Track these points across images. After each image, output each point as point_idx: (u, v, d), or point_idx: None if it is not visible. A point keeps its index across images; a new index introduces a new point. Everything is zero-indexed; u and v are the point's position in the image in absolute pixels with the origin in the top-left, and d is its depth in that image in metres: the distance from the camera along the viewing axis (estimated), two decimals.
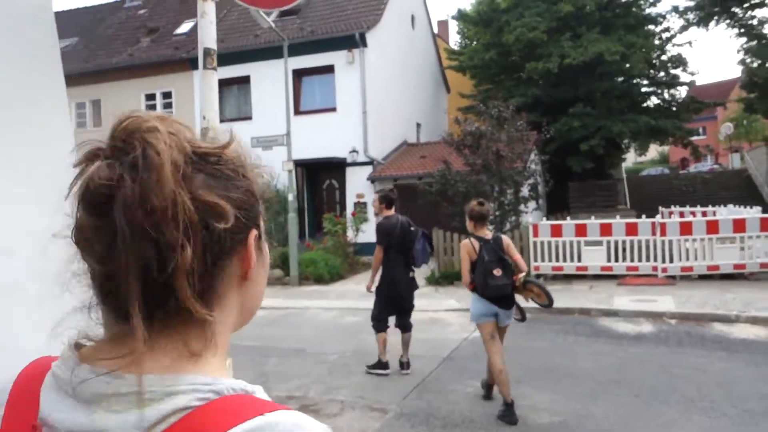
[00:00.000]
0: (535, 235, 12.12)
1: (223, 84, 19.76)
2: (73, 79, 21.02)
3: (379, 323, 6.61)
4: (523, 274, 5.20)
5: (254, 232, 0.71)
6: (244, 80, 19.31)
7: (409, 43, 21.55)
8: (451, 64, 26.34)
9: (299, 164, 18.07)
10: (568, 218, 13.57)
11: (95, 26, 23.89)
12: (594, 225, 11.95)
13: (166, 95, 20.25)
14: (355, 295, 11.83)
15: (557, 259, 12.02)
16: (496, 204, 13.76)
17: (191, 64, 19.69)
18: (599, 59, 21.16)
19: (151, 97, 20.46)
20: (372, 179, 17.83)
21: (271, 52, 17.65)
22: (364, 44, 17.87)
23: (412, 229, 6.54)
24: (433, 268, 12.48)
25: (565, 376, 6.36)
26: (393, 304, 6.63)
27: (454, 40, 32.56)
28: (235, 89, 19.91)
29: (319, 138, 17.86)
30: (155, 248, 0.61)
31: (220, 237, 0.65)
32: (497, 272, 4.99)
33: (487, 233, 5.23)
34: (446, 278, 12.45)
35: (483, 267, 4.99)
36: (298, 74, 18.67)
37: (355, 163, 18.05)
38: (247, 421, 0.60)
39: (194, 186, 0.64)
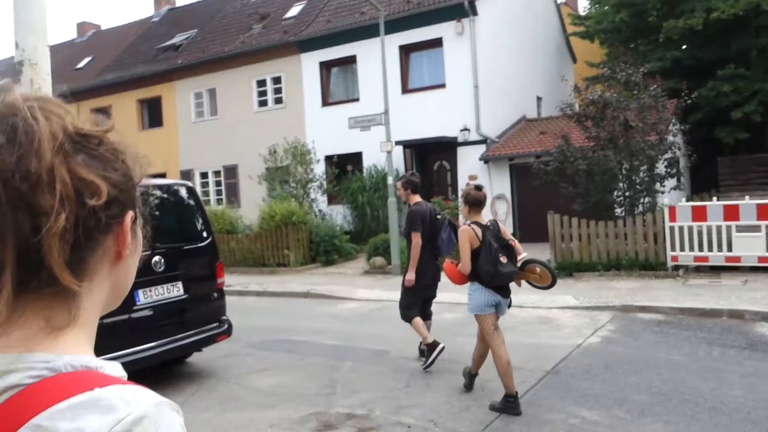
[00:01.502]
0: (672, 219, 10.22)
1: (330, 65, 19.20)
2: (191, 69, 21.49)
3: (409, 312, 6.41)
4: (522, 255, 5.06)
5: (130, 214, 0.73)
6: (350, 60, 18.59)
7: (527, 10, 19.67)
8: (576, 31, 23.99)
9: (408, 145, 17.08)
10: (715, 199, 11.42)
11: (212, 17, 24.29)
12: (749, 206, 9.84)
13: (276, 80, 20.03)
14: (460, 288, 10.64)
15: (700, 248, 10.06)
16: (625, 184, 11.90)
17: (299, 47, 19.30)
18: (755, 10, 18.03)
19: (261, 83, 20.35)
20: (485, 159, 16.41)
21: (377, 29, 16.70)
22: (474, 12, 16.40)
23: (438, 217, 6.34)
24: (549, 258, 10.96)
25: (707, 410, 4.80)
26: (419, 294, 6.42)
27: (583, 5, 29.79)
28: (341, 71, 19.26)
29: (428, 117, 16.73)
30: (30, 213, 0.63)
31: (95, 212, 0.67)
32: (504, 259, 4.81)
33: (484, 219, 5.03)
34: (564, 269, 10.88)
35: (492, 255, 4.77)
36: (405, 50, 17.60)
37: (466, 143, 16.71)
38: (72, 397, 0.62)
39: (73, 162, 0.66)
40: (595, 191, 11.65)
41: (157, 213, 6.23)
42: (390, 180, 12.46)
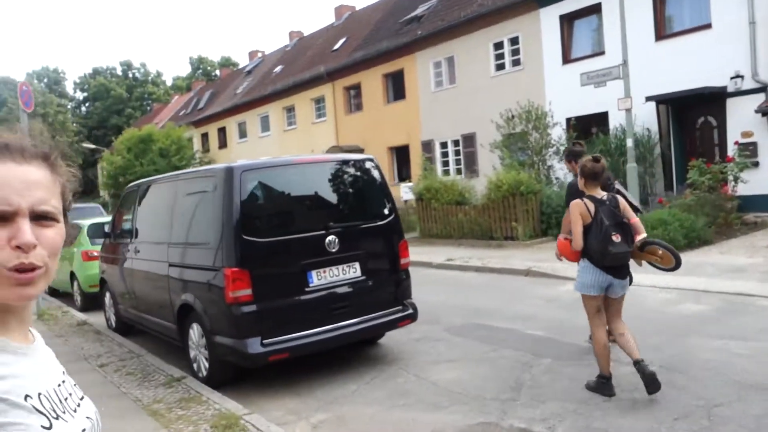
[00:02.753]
0: None
1: (571, 18, 17.44)
2: (430, 39, 21.44)
3: None
4: (641, 236, 4.68)
5: None
6: (594, 9, 16.61)
7: None
8: None
9: (662, 100, 14.74)
10: None
11: None
12: None
13: (513, 41, 18.88)
14: (714, 270, 8.73)
15: None
16: None
17: (538, 1, 17.86)
18: None
19: (498, 45, 19.39)
20: (763, 111, 13.34)
21: None
22: None
23: (611, 184, 5.59)
24: None
25: None
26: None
27: None
28: (583, 23, 17.34)
29: (688, 65, 14.15)
30: None
31: None
32: (616, 238, 4.50)
33: (601, 193, 4.70)
34: None
35: (602, 232, 4.50)
36: None
37: (738, 93, 13.75)
38: None
39: None
40: None
41: (330, 191, 5.97)
42: (630, 142, 10.75)
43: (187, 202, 6.06)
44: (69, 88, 69.36)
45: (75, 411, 0.97)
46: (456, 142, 21.18)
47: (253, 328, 5.21)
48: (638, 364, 4.52)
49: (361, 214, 6.07)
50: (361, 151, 25.30)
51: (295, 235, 5.52)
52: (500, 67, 19.45)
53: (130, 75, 69.53)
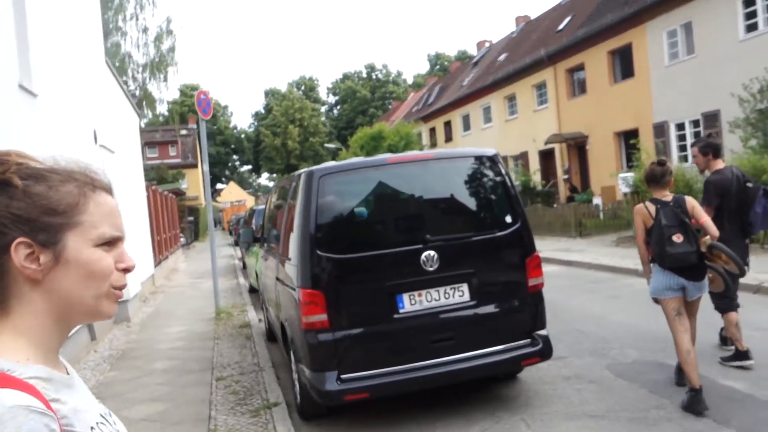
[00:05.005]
0: None
1: None
2: (662, 5, 18.47)
3: (729, 301, 5.26)
4: (708, 237, 4.55)
5: (17, 242, 0.87)
6: None
7: None
8: None
9: None
10: None
11: None
12: None
13: None
14: None
15: None
16: None
17: None
18: None
19: (749, 1, 15.83)
20: None
21: None
22: None
23: (749, 185, 5.39)
24: None
25: None
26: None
27: None
28: None
29: None
30: None
31: None
32: (677, 238, 4.43)
33: (668, 195, 4.64)
34: None
35: (660, 233, 4.48)
36: None
37: None
38: None
39: None
40: None
41: (432, 195, 4.93)
42: None
43: (285, 210, 5.54)
44: (323, 93, 76.16)
45: None
46: (695, 123, 17.91)
47: (329, 360, 4.45)
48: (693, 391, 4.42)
49: (473, 224, 4.92)
50: (584, 138, 22.99)
51: (381, 250, 4.61)
52: (751, 27, 15.87)
53: (374, 77, 73.83)
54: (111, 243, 0.94)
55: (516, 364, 4.84)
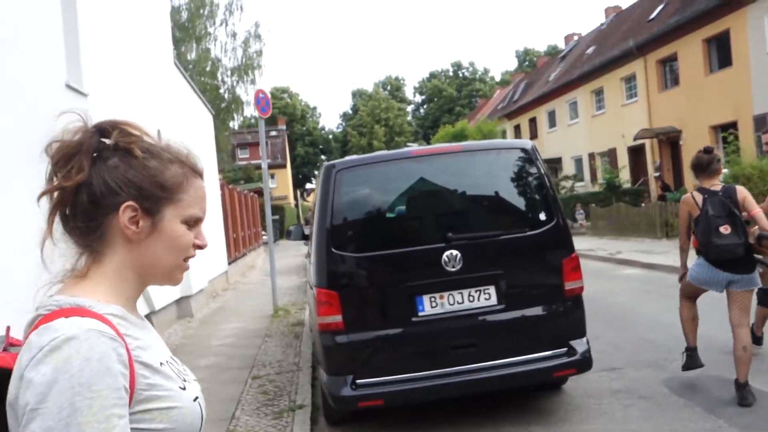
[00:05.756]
0: None
1: None
2: None
3: None
4: (757, 228, 4.32)
5: (125, 205, 1.00)
6: None
7: None
8: None
9: None
10: None
11: None
12: None
13: None
14: None
15: None
16: None
17: None
18: None
19: None
20: None
21: None
22: None
23: None
24: None
25: None
26: None
27: None
28: None
29: None
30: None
31: (89, 202, 1.00)
32: (725, 229, 4.23)
33: (717, 184, 4.45)
34: None
35: (706, 223, 4.28)
36: None
37: None
38: (49, 322, 0.90)
39: (103, 167, 1.00)
40: None
41: (458, 190, 4.60)
42: None
43: (314, 207, 5.38)
44: (409, 93, 76.18)
45: (188, 379, 1.08)
46: None
47: (345, 364, 4.23)
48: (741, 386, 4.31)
49: (503, 221, 4.55)
50: (677, 133, 21.51)
51: (399, 249, 4.34)
52: None
53: (460, 75, 73.00)
54: (195, 222, 1.08)
55: (548, 376, 4.42)
